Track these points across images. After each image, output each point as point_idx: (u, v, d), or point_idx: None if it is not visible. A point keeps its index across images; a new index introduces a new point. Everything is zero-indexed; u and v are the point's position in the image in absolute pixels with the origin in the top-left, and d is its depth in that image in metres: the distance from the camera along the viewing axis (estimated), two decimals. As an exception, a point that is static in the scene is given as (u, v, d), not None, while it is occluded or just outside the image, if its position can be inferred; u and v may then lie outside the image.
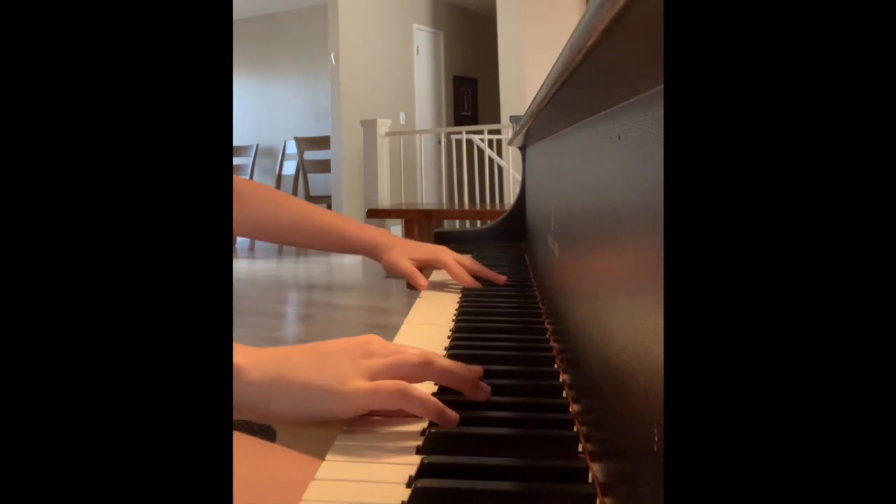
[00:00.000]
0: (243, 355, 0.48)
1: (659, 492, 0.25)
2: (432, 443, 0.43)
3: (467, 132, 4.58)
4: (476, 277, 0.96)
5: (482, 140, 4.49)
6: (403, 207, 4.09)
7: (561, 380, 0.55)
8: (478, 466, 0.40)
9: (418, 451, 0.43)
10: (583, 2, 4.77)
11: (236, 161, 6.51)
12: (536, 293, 0.89)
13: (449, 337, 0.69)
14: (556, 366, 0.58)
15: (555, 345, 0.64)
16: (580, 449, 0.42)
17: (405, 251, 0.98)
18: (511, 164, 4.42)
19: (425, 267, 0.98)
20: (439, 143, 6.44)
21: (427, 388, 0.51)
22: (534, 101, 0.68)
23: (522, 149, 1.36)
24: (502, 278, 0.95)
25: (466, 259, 0.99)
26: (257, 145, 6.69)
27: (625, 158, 0.34)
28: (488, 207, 3.90)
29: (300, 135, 6.57)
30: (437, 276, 1.10)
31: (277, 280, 4.48)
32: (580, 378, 0.47)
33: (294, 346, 0.51)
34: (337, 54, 5.60)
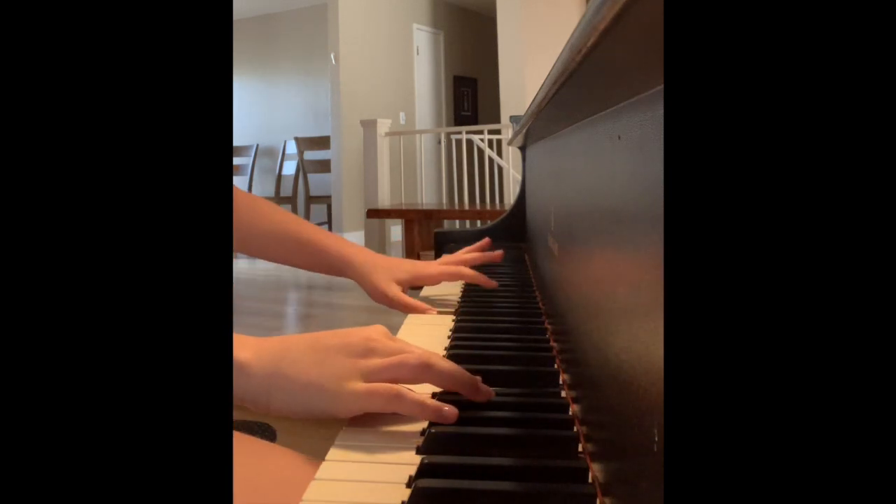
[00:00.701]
0: (246, 350, 0.48)
1: (659, 492, 0.25)
2: (432, 443, 0.43)
3: (467, 132, 4.58)
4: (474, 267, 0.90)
5: (482, 140, 4.50)
6: (403, 207, 4.09)
7: (561, 380, 0.55)
8: (478, 466, 0.40)
9: (418, 451, 0.43)
10: (583, 2, 4.77)
11: (236, 161, 6.51)
12: (536, 293, 0.89)
13: (449, 337, 0.69)
14: (556, 366, 0.58)
15: (555, 345, 0.64)
16: (580, 449, 0.42)
17: (391, 273, 0.85)
18: (511, 164, 4.42)
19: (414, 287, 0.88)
20: (439, 143, 6.44)
21: (426, 386, 0.51)
22: (534, 101, 0.68)
23: (522, 149, 1.36)
24: (493, 283, 0.88)
25: (455, 256, 0.92)
26: (257, 145, 6.69)
27: (625, 158, 0.34)
28: (488, 207, 3.90)
29: (300, 135, 6.57)
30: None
31: (277, 280, 4.48)
32: (580, 378, 0.47)
33: (296, 336, 0.51)
34: (337, 54, 5.60)
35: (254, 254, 0.90)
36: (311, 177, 6.46)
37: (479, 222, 4.18)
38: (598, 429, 0.39)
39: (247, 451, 0.56)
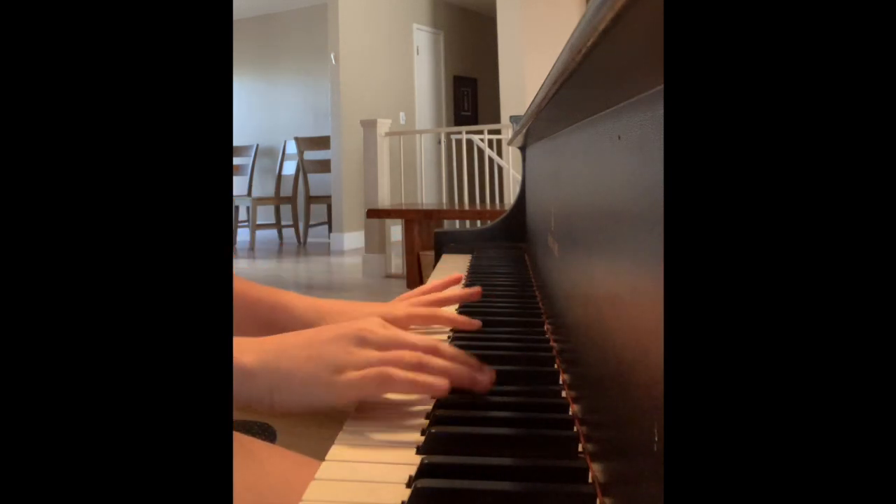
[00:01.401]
0: (247, 354, 0.50)
1: (659, 492, 0.25)
2: (432, 443, 0.43)
3: (467, 132, 4.58)
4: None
5: (482, 140, 4.49)
6: (403, 207, 4.09)
7: (561, 380, 0.55)
8: (478, 466, 0.40)
9: (418, 451, 0.43)
10: (583, 2, 4.77)
11: (236, 161, 6.51)
12: (536, 293, 0.89)
13: (449, 337, 0.69)
14: (556, 366, 0.58)
15: (555, 345, 0.64)
16: (580, 449, 0.42)
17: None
18: (511, 164, 4.42)
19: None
20: (439, 143, 6.44)
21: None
22: (534, 101, 0.68)
23: (522, 149, 1.36)
24: (476, 323, 0.71)
25: (426, 297, 0.77)
26: (257, 145, 6.69)
27: (625, 158, 0.34)
28: (488, 207, 3.90)
29: (300, 135, 6.57)
30: (436, 278, 1.10)
31: (277, 280, 4.48)
32: (580, 378, 0.47)
33: (292, 334, 0.53)
34: (337, 54, 5.60)
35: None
36: (311, 177, 6.46)
37: (479, 222, 4.18)
38: (598, 429, 0.39)
39: (247, 452, 0.56)
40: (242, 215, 6.75)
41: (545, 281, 0.82)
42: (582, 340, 0.47)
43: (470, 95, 7.50)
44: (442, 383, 0.48)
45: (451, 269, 1.15)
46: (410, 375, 0.48)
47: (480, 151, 4.75)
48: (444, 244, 1.38)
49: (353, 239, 5.82)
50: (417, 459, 0.41)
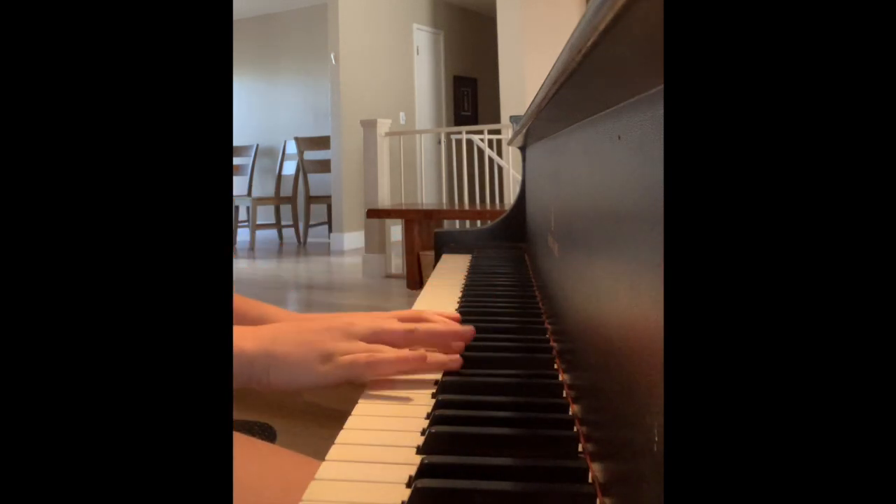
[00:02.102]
0: (246, 340, 0.54)
1: (659, 492, 0.25)
2: (432, 443, 0.43)
3: (467, 132, 4.58)
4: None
5: (482, 140, 4.49)
6: (403, 207, 4.09)
7: (561, 380, 0.55)
8: (478, 466, 0.40)
9: (418, 451, 0.43)
10: (583, 2, 4.77)
11: (236, 161, 6.50)
12: (536, 293, 0.89)
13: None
14: (555, 366, 0.58)
15: (555, 345, 0.64)
16: (580, 449, 0.42)
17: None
18: (511, 164, 4.42)
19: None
20: (439, 143, 6.44)
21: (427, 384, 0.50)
22: (534, 101, 0.68)
23: (522, 149, 1.36)
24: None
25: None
26: (257, 145, 6.68)
27: (625, 158, 0.34)
28: (488, 207, 3.90)
29: (300, 135, 6.57)
30: (436, 278, 1.10)
31: (277, 280, 4.48)
32: (580, 378, 0.47)
33: (286, 323, 0.58)
34: (337, 54, 5.59)
35: None
36: (311, 177, 6.46)
37: (479, 222, 4.18)
38: (598, 429, 0.39)
39: (247, 452, 0.56)
40: (242, 215, 6.74)
41: (545, 281, 0.82)
42: (582, 340, 0.47)
43: (470, 95, 7.50)
44: (422, 355, 0.54)
45: (451, 269, 1.15)
46: (396, 353, 0.54)
47: (480, 151, 4.75)
48: (444, 244, 1.38)
49: (353, 239, 5.82)
50: (417, 459, 0.41)
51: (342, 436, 0.46)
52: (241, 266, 5.09)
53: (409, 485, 0.39)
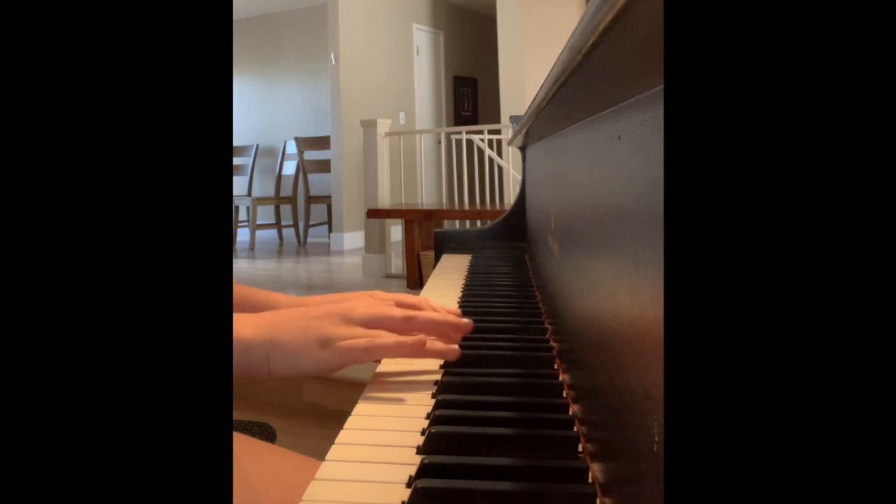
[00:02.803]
0: (246, 327, 0.54)
1: (659, 492, 0.25)
2: (432, 443, 0.43)
3: (467, 132, 4.58)
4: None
5: (482, 140, 4.49)
6: (403, 207, 4.09)
7: (561, 380, 0.55)
8: (478, 466, 0.40)
9: (418, 451, 0.43)
10: (583, 2, 4.77)
11: (236, 161, 6.50)
12: (536, 293, 0.89)
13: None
14: (556, 366, 0.58)
15: (555, 345, 0.64)
16: (580, 449, 0.42)
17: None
18: (511, 164, 4.42)
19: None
20: (439, 143, 6.44)
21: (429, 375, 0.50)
22: (534, 101, 0.68)
23: (522, 149, 1.36)
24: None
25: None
26: (257, 145, 6.68)
27: (625, 158, 0.34)
28: (488, 207, 3.90)
29: (300, 135, 6.57)
30: (436, 278, 1.10)
31: (277, 280, 4.48)
32: (580, 378, 0.47)
33: (286, 310, 0.58)
34: (337, 54, 5.59)
35: None
36: (311, 177, 6.46)
37: (479, 222, 4.18)
38: (598, 429, 0.39)
39: (247, 452, 0.56)
40: (242, 215, 6.74)
41: (545, 281, 0.82)
42: (582, 340, 0.47)
43: (470, 95, 7.50)
44: (420, 339, 0.55)
45: (451, 269, 1.15)
46: (394, 338, 0.54)
47: (480, 151, 4.75)
48: (444, 244, 1.38)
49: (353, 239, 5.82)
50: (417, 459, 0.41)
51: (342, 436, 0.46)
52: (241, 266, 5.10)
53: (409, 485, 0.39)
